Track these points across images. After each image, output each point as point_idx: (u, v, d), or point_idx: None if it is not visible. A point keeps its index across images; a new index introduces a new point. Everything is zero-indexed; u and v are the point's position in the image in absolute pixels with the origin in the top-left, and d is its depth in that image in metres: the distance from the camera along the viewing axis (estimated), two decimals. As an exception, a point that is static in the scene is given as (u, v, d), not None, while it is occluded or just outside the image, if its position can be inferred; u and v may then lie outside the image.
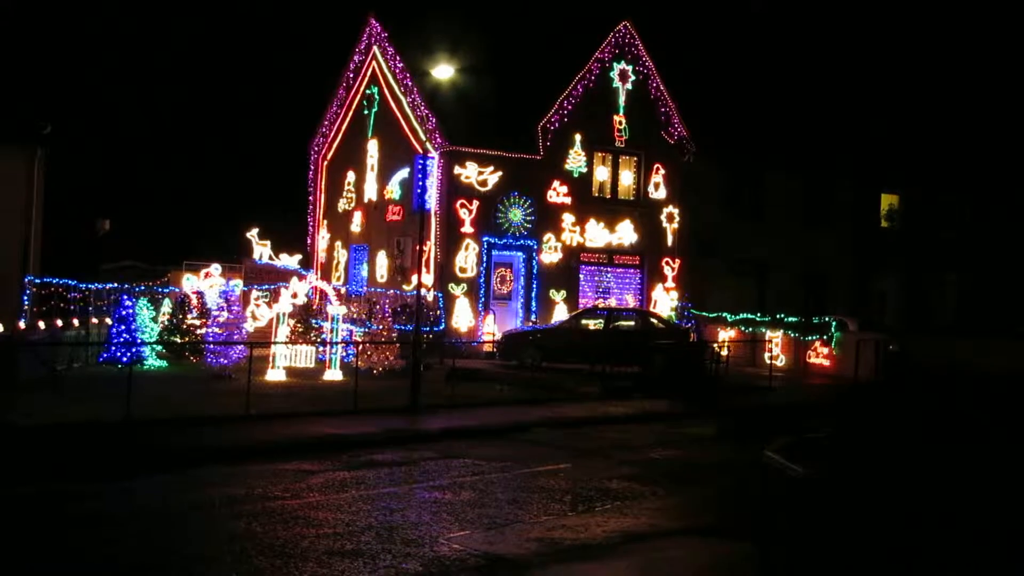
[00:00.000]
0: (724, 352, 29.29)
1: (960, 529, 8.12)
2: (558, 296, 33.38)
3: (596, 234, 34.20)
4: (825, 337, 32.33)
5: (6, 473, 13.10)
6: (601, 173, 34.68)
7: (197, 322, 27.75)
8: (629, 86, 34.83)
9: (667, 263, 35.65)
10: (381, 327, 27.69)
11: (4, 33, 34.29)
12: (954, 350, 30.51)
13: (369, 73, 36.89)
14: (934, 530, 8.16)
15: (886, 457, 8.80)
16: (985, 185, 42.85)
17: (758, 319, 34.27)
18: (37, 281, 28.23)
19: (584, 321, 29.99)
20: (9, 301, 27.46)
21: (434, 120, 31.75)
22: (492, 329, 31.73)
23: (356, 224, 37.06)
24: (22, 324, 24.89)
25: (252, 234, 31.71)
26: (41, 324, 24.86)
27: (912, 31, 49.94)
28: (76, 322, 26.52)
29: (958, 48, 48.94)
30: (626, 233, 34.81)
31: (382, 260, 34.78)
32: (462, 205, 31.76)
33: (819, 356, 32.53)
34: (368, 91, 36.92)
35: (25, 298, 27.82)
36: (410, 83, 33.14)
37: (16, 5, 35.09)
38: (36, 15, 45.48)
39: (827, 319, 33.02)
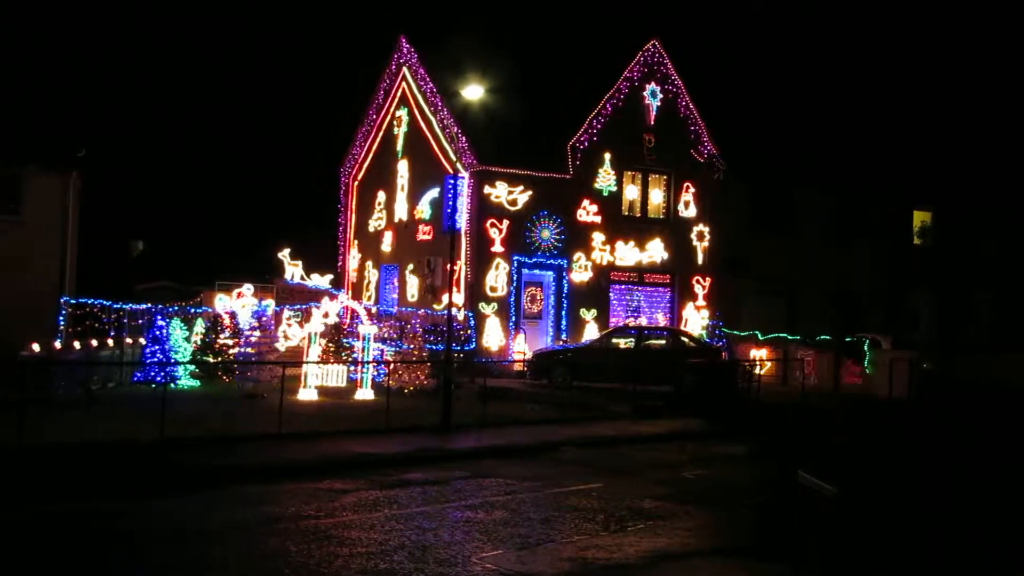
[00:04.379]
0: (756, 371, 29.17)
1: (983, 546, 8.09)
2: (588, 315, 33.34)
3: (626, 253, 34.17)
4: (858, 356, 32.12)
5: (42, 491, 13.25)
6: (631, 192, 34.67)
7: (230, 342, 27.93)
8: (658, 104, 34.83)
9: (698, 281, 35.56)
10: (412, 346, 27.77)
11: (38, 59, 34.74)
12: (989, 368, 30.27)
13: (399, 94, 37.10)
14: (962, 548, 8.13)
15: (917, 477, 8.78)
16: (1020, 200, 42.47)
17: (789, 338, 34.10)
18: (73, 302, 28.53)
19: (615, 340, 29.94)
20: (46, 321, 27.78)
21: (464, 140, 31.86)
22: (523, 348, 31.74)
23: (387, 244, 37.20)
24: (58, 344, 25.13)
25: (284, 254, 31.93)
26: (76, 344, 25.07)
27: (945, 46, 49.76)
28: (111, 342, 26.72)
29: (991, 64, 48.74)
30: (656, 252, 34.76)
31: (413, 279, 34.88)
32: (492, 224, 31.82)
33: (852, 375, 32.31)
34: (398, 112, 37.12)
35: (61, 318, 28.14)
36: (440, 103, 33.29)
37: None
38: (70, 40, 46.03)
39: (860, 337, 32.81)
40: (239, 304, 28.72)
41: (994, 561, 8.02)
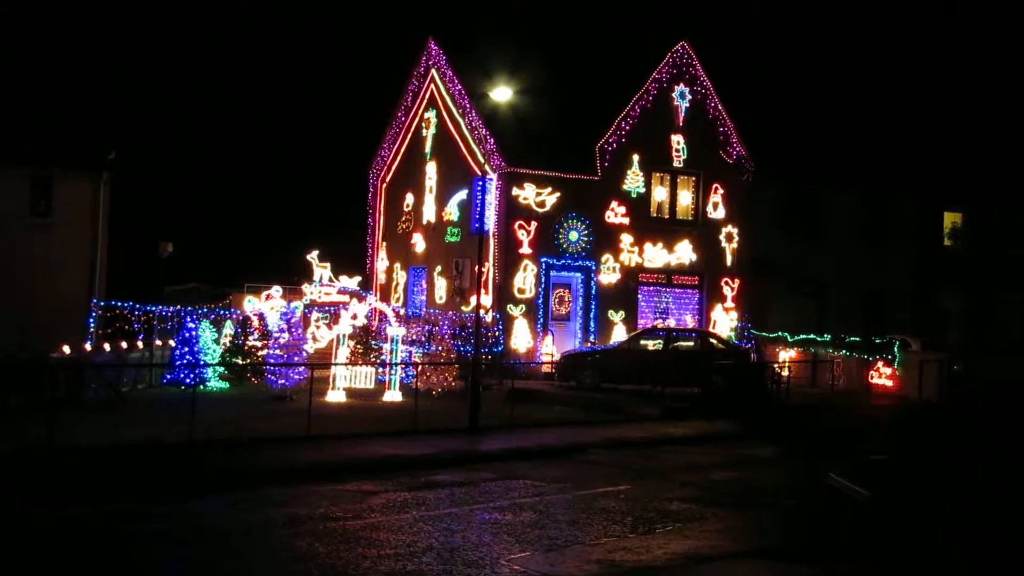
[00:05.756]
0: (784, 372, 29.02)
1: (1018, 548, 7.99)
2: (617, 317, 33.25)
3: (654, 254, 34.05)
4: (888, 357, 31.92)
5: (71, 493, 13.31)
6: (659, 193, 34.55)
7: (259, 344, 28.04)
8: (687, 106, 34.69)
9: (726, 283, 35.40)
10: (440, 348, 27.79)
11: (69, 61, 35.01)
12: (1019, 370, 30.00)
13: (427, 95, 37.12)
14: (995, 550, 8.04)
15: (950, 479, 8.69)
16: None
17: (819, 339, 33.93)
18: (103, 303, 28.73)
19: (643, 342, 29.83)
20: (76, 323, 28.01)
21: (492, 142, 31.85)
22: (551, 350, 31.68)
23: (415, 246, 37.24)
24: (88, 346, 25.31)
25: (312, 256, 31.94)
26: (107, 346, 25.23)
27: (972, 46, 49.39)
28: (140, 344, 26.90)
29: (1022, 64, 48.32)
30: (685, 253, 34.62)
31: (441, 281, 34.90)
32: (520, 226, 31.79)
33: (881, 376, 32.12)
34: (426, 113, 37.15)
35: (91, 320, 28.34)
36: (468, 105, 33.29)
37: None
38: (100, 43, 46.35)
39: (890, 339, 32.60)
40: (268, 306, 28.82)
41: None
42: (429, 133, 36.79)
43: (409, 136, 38.73)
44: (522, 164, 31.82)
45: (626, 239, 33.47)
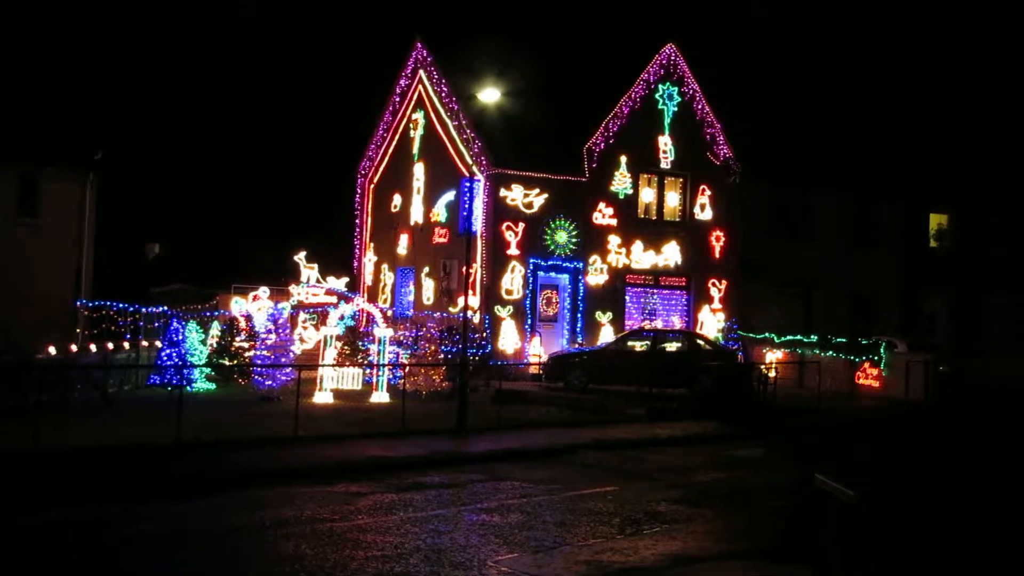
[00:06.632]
0: (772, 373, 29.08)
1: (1009, 549, 8.01)
2: (604, 318, 33.26)
3: (642, 256, 34.07)
4: (874, 358, 32.00)
5: (58, 495, 13.27)
6: (647, 195, 34.58)
7: (246, 345, 27.97)
8: (674, 108, 34.73)
9: (713, 284, 35.45)
10: (428, 349, 27.76)
11: (56, 61, 34.91)
12: (1005, 371, 30.12)
13: (415, 97, 37.09)
14: (981, 550, 8.06)
15: (936, 480, 8.73)
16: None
17: (806, 340, 33.99)
18: (89, 304, 28.64)
19: (630, 343, 29.86)
20: (62, 324, 27.93)
21: (480, 143, 31.84)
22: (538, 351, 31.68)
23: (402, 247, 37.19)
24: (74, 347, 25.21)
25: (299, 257, 31.90)
26: (93, 347, 25.15)
27: (961, 49, 49.59)
28: (127, 345, 26.81)
29: (1007, 67, 48.56)
30: (672, 254, 34.65)
31: (428, 283, 34.86)
32: (508, 227, 31.78)
33: (868, 377, 32.20)
34: (414, 114, 37.11)
35: (77, 321, 28.25)
36: (456, 106, 33.27)
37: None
38: (87, 42, 46.20)
39: (876, 340, 32.68)
40: (255, 307, 28.76)
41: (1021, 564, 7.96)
42: (417, 134, 36.75)
43: (397, 137, 38.69)
44: (510, 165, 31.81)
45: (614, 240, 33.49)
